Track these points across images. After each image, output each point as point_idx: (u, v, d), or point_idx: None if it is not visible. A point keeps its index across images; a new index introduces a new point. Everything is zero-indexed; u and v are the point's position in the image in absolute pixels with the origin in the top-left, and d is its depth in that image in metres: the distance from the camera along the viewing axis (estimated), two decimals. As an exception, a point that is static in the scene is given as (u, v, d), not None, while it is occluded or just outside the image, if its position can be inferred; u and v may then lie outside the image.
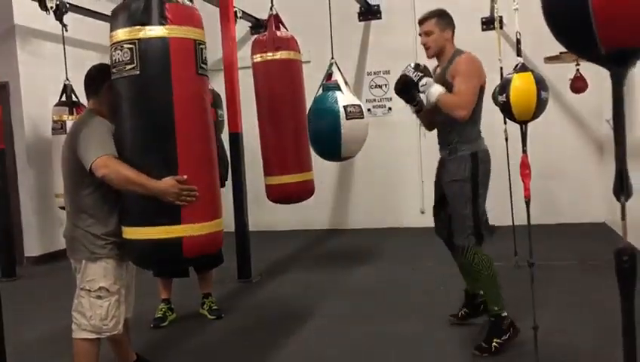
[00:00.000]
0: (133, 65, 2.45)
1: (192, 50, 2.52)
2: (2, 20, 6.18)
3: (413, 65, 3.18)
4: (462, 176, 3.15)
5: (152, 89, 2.48)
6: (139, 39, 2.43)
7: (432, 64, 3.36)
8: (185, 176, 2.47)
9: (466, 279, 3.55)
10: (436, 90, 3.07)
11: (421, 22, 3.29)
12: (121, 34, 2.47)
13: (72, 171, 2.68)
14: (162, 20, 2.44)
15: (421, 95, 3.18)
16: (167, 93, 2.46)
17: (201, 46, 2.57)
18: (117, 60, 2.49)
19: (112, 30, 2.53)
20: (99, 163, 2.49)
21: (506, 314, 3.15)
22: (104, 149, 2.52)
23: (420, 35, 3.28)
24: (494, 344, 3.09)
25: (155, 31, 2.44)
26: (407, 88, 3.21)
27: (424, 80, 3.10)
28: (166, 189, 2.44)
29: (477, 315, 3.54)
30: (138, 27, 2.44)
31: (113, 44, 2.51)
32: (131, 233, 2.55)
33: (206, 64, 2.63)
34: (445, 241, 3.45)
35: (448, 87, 3.12)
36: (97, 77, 2.76)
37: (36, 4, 5.27)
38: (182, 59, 2.50)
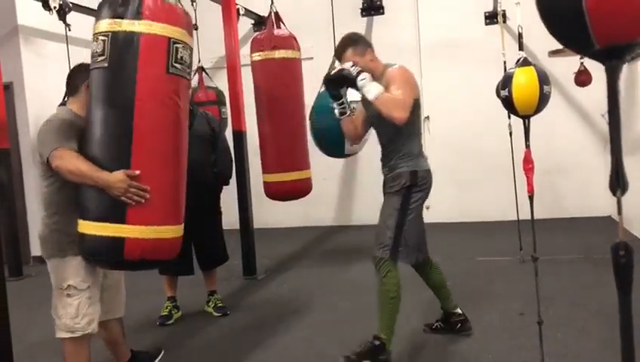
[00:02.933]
0: (103, 57, 2.46)
1: (164, 48, 2.48)
2: (6, 21, 6.20)
3: (351, 64, 2.94)
4: (395, 189, 3.05)
5: (116, 82, 2.47)
6: (112, 32, 2.45)
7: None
8: (137, 172, 2.41)
9: (437, 297, 3.47)
10: (376, 87, 2.86)
11: (339, 57, 3.11)
12: (100, 25, 2.49)
13: (39, 169, 2.66)
14: (137, 15, 2.43)
15: (359, 90, 2.91)
16: (130, 88, 2.45)
17: (176, 45, 2.51)
18: (93, 52, 2.52)
19: (95, 22, 2.56)
20: (54, 155, 2.47)
21: (389, 349, 3.00)
22: (59, 142, 2.49)
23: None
24: None
25: (127, 25, 2.44)
26: (339, 83, 2.99)
27: (364, 74, 2.88)
28: (113, 182, 2.38)
29: (452, 332, 3.43)
30: (114, 20, 2.45)
31: (94, 34, 2.53)
32: (82, 227, 2.51)
33: (183, 63, 2.56)
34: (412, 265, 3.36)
35: None
36: (76, 76, 2.73)
37: (39, 4, 5.28)
38: (151, 56, 2.47)
